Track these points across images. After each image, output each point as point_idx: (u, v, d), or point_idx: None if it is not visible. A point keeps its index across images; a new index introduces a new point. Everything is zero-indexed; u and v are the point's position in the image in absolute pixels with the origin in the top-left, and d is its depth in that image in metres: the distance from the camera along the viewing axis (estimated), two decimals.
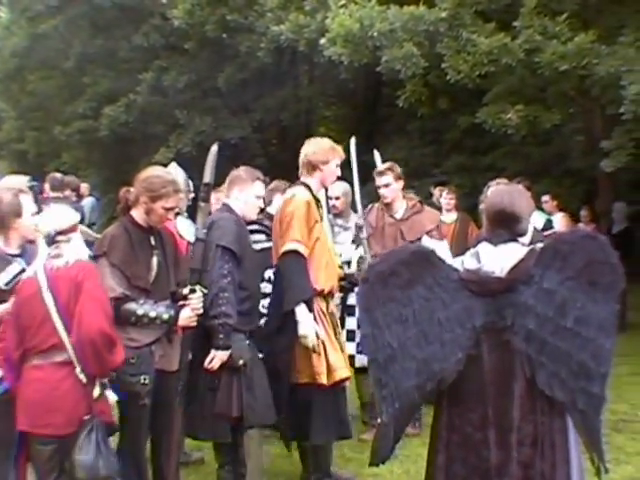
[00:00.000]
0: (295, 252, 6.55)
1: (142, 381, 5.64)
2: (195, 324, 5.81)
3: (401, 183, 8.48)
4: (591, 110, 13.93)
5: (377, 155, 8.65)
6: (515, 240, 3.94)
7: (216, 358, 5.98)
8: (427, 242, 8.22)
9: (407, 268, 3.83)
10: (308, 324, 6.49)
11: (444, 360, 3.73)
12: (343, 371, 6.59)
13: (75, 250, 5.40)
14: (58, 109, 25.97)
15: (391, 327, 3.76)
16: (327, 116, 26.64)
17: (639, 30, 11.28)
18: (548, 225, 10.10)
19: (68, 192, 12.60)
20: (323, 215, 6.96)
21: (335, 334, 6.72)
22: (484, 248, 3.91)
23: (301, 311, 6.49)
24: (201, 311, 5.86)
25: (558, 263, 3.77)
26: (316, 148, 6.83)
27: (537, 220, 9.74)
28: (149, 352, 5.74)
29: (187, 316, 5.77)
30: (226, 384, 6.08)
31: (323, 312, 6.68)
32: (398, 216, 8.43)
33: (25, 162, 29.33)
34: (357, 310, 4.00)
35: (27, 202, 5.76)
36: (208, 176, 6.11)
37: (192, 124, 20.08)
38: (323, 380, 6.51)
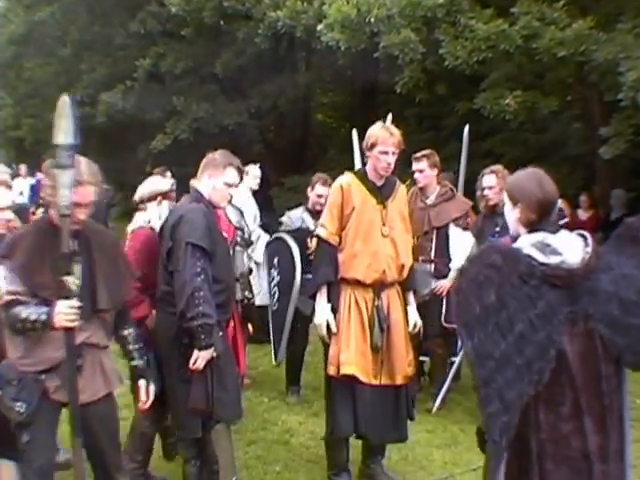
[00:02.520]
0: (318, 237, 6.61)
1: (18, 408, 5.03)
2: (72, 324, 4.80)
3: (436, 170, 8.75)
4: (589, 97, 13.90)
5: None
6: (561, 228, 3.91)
7: (200, 358, 5.79)
8: (452, 230, 8.40)
9: (496, 271, 3.68)
10: (321, 313, 6.55)
11: (541, 359, 3.62)
12: (349, 367, 6.45)
13: (142, 218, 6.39)
14: (55, 96, 25.52)
15: (490, 337, 3.62)
16: (324, 103, 26.60)
17: (637, 17, 11.25)
18: (561, 214, 9.93)
19: None
20: (390, 203, 6.67)
21: (371, 328, 6.55)
22: (552, 239, 3.79)
23: (318, 299, 6.57)
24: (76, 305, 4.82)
25: (631, 249, 3.75)
26: (367, 134, 6.67)
27: None
28: (33, 379, 5.06)
29: (58, 312, 4.78)
30: (199, 378, 5.90)
31: (357, 303, 6.58)
32: (429, 202, 8.72)
33: (22, 149, 29.35)
34: (456, 322, 3.83)
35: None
36: (61, 136, 5.26)
37: (189, 110, 20.05)
38: (330, 371, 6.51)
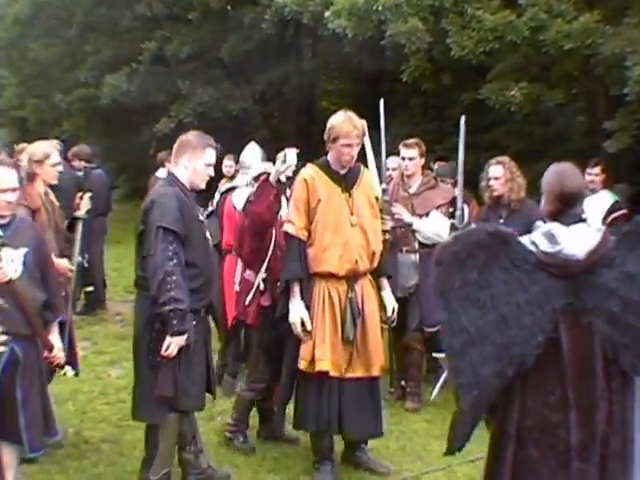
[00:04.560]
0: (287, 234, 6.59)
1: None
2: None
3: (423, 160, 8.72)
4: (595, 90, 13.87)
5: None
6: (583, 220, 3.93)
7: (172, 344, 5.74)
8: (433, 213, 8.32)
9: (483, 250, 3.73)
10: (295, 311, 6.53)
11: (525, 344, 3.66)
12: (323, 363, 6.46)
13: None
14: (60, 77, 25.93)
15: (468, 311, 3.67)
16: (330, 90, 26.52)
17: None
18: (617, 206, 9.83)
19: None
20: (355, 191, 6.67)
21: (343, 321, 6.54)
22: (558, 229, 3.84)
23: (291, 297, 6.56)
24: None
25: None
26: (328, 125, 6.64)
27: (606, 201, 9.67)
28: None
29: None
30: (168, 365, 5.84)
31: (330, 297, 6.57)
32: (412, 190, 8.64)
33: (25, 130, 29.34)
34: (433, 292, 3.88)
35: (3, 176, 5.50)
36: None
37: (194, 94, 20.02)
38: (301, 366, 6.53)
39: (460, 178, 8.63)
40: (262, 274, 7.11)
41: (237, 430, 7.37)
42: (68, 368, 6.02)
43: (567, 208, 3.92)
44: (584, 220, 3.92)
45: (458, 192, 8.67)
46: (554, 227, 3.86)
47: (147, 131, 21.81)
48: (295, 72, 20.68)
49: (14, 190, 5.53)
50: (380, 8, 11.87)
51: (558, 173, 4.03)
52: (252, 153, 8.63)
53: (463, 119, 8.49)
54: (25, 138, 25.45)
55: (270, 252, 7.08)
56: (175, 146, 6.22)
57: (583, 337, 3.72)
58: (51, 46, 25.78)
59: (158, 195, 5.95)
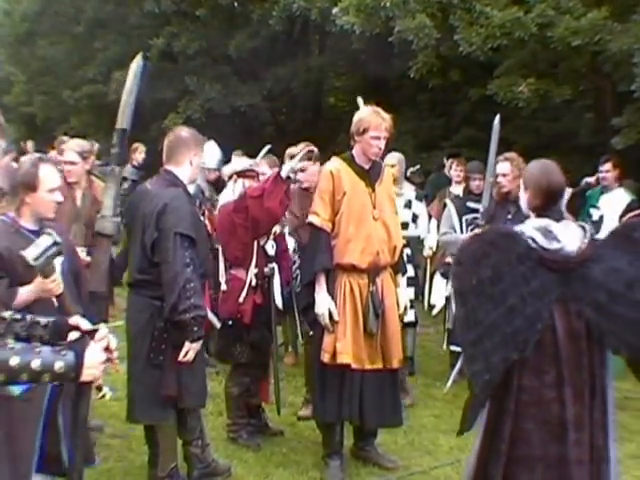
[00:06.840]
0: (311, 225, 6.63)
1: None
2: (98, 376, 3.37)
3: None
4: (602, 87, 13.88)
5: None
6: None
7: (192, 350, 5.79)
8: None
9: (495, 248, 4.07)
10: (322, 302, 6.55)
11: (527, 331, 4.01)
12: (345, 356, 6.51)
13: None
14: (68, 73, 25.93)
15: (483, 306, 4.01)
16: (337, 87, 26.51)
17: None
18: (634, 205, 9.78)
19: None
20: (378, 186, 6.75)
21: (365, 314, 6.59)
22: (555, 226, 4.18)
23: (318, 287, 6.58)
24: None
25: (628, 246, 4.13)
26: (356, 118, 6.70)
27: (623, 199, 9.68)
28: None
29: (97, 361, 3.30)
30: (171, 364, 5.85)
31: (352, 290, 6.61)
32: None
33: (33, 126, 29.33)
34: (452, 291, 4.21)
35: (48, 175, 5.11)
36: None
37: (202, 91, 20.04)
38: (325, 358, 6.56)
39: (489, 176, 8.57)
40: (253, 270, 7.13)
41: (238, 428, 7.39)
42: (106, 389, 4.75)
43: (552, 203, 4.30)
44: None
45: (486, 190, 8.63)
46: (549, 224, 4.21)
47: (155, 127, 21.84)
48: (303, 69, 20.68)
49: (59, 189, 5.24)
50: (388, 4, 11.89)
51: (544, 169, 4.38)
52: (211, 153, 8.61)
53: (497, 118, 8.48)
54: (32, 134, 25.56)
55: (256, 248, 7.13)
56: (171, 145, 6.15)
57: (574, 322, 4.10)
58: (59, 43, 25.81)
59: (170, 198, 5.82)
